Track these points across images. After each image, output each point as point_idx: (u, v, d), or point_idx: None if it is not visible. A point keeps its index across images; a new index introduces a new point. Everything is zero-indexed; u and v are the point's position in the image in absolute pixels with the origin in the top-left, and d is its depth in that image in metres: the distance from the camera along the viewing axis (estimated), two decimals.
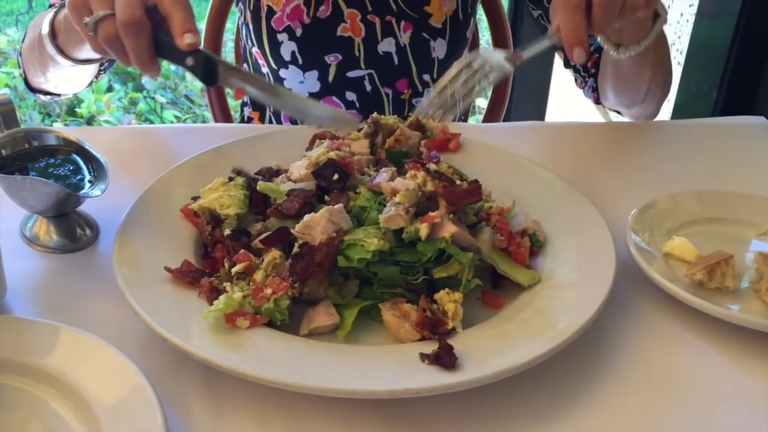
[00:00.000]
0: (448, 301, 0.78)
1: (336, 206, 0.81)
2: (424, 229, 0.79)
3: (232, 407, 0.72)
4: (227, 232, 0.84)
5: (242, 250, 0.81)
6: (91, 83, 1.22)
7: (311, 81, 1.30)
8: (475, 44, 1.53)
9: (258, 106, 1.44)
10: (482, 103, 3.22)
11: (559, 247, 0.88)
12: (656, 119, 1.28)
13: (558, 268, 0.85)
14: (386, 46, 1.29)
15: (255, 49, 1.33)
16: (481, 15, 1.57)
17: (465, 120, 1.63)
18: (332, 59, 1.29)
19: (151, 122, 3.22)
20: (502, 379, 0.71)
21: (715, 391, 0.77)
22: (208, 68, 0.88)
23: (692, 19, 1.75)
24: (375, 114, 1.04)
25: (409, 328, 0.76)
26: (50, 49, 1.04)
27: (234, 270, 0.80)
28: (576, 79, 1.29)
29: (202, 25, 1.45)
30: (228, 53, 2.26)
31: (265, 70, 1.33)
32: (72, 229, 0.92)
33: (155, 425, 0.64)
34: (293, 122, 1.35)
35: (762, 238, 0.96)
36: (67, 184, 0.88)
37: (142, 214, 0.89)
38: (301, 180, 0.90)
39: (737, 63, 1.55)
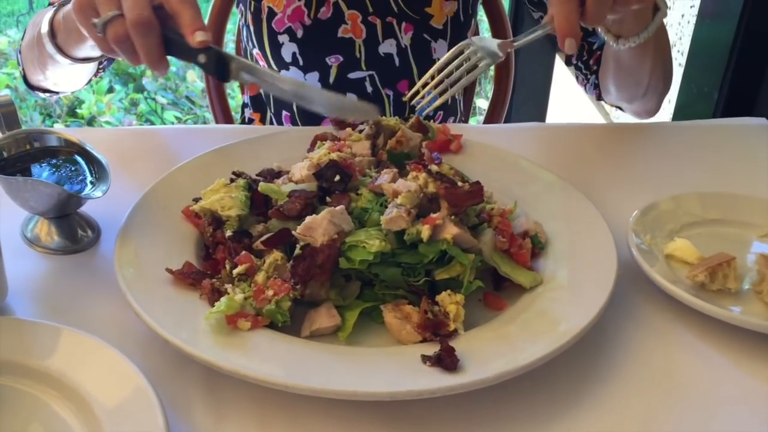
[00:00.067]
0: (450, 302, 0.78)
1: (337, 208, 0.81)
2: (425, 231, 0.79)
3: (233, 409, 0.72)
4: (228, 233, 0.84)
5: (243, 252, 0.81)
6: (89, 81, 1.22)
7: (312, 82, 1.30)
8: None
9: (259, 108, 1.44)
10: (483, 104, 3.22)
11: (560, 249, 0.88)
12: (657, 121, 1.28)
13: (559, 269, 0.85)
14: (387, 47, 1.29)
15: (256, 51, 1.33)
16: (481, 16, 1.57)
17: (466, 121, 1.63)
18: (333, 60, 1.29)
19: (152, 123, 3.22)
20: (503, 381, 0.71)
21: (716, 393, 0.77)
22: (220, 65, 0.89)
23: (693, 20, 1.75)
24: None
25: (410, 329, 0.76)
26: (49, 48, 1.04)
27: (235, 271, 0.80)
28: (577, 77, 1.30)
29: None
30: None
31: None
32: (73, 231, 0.92)
33: (156, 427, 0.64)
34: (294, 123, 1.36)
35: (764, 239, 0.96)
36: (68, 186, 0.88)
37: (144, 215, 0.89)
38: (303, 181, 0.90)
39: (738, 64, 1.55)
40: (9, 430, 0.67)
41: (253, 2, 1.29)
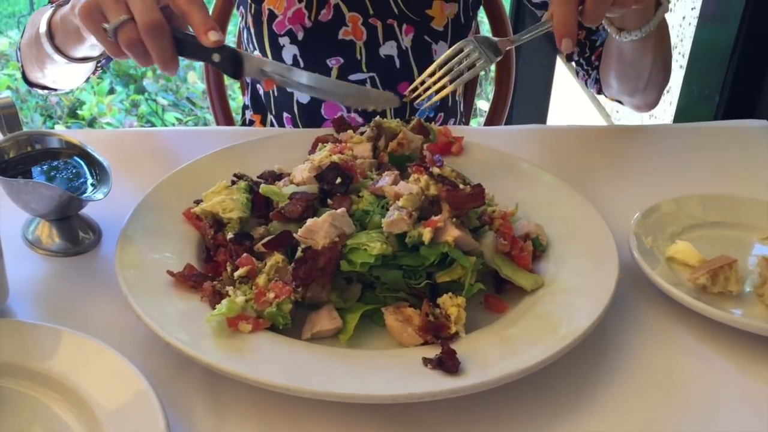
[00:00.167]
0: (451, 305, 0.77)
1: (339, 210, 0.81)
2: (427, 234, 0.79)
3: (234, 411, 0.72)
4: (230, 235, 0.84)
5: (245, 254, 0.81)
6: (88, 79, 1.23)
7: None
8: None
9: (260, 109, 1.44)
10: (484, 105, 3.22)
11: (561, 251, 0.88)
12: (658, 123, 1.28)
13: (561, 272, 0.85)
14: (388, 49, 1.29)
15: (256, 53, 1.33)
16: (482, 18, 1.57)
17: (467, 123, 1.63)
18: (334, 62, 1.29)
19: (153, 124, 3.22)
20: (504, 384, 0.71)
21: (718, 396, 0.77)
22: (234, 62, 0.90)
23: (694, 22, 1.75)
24: (377, 117, 1.04)
25: (411, 332, 0.76)
26: (48, 48, 1.04)
27: (236, 274, 0.80)
28: (578, 72, 1.32)
29: None
30: None
31: None
32: (74, 233, 0.92)
33: (157, 429, 0.64)
34: (295, 125, 1.35)
35: (765, 242, 0.96)
36: (69, 188, 0.88)
37: (145, 217, 0.89)
38: (304, 183, 0.90)
39: (740, 66, 1.55)
40: None
41: (253, 4, 1.29)
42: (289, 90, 1.31)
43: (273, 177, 0.96)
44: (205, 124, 3.22)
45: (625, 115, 2.19)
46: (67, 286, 0.87)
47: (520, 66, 1.63)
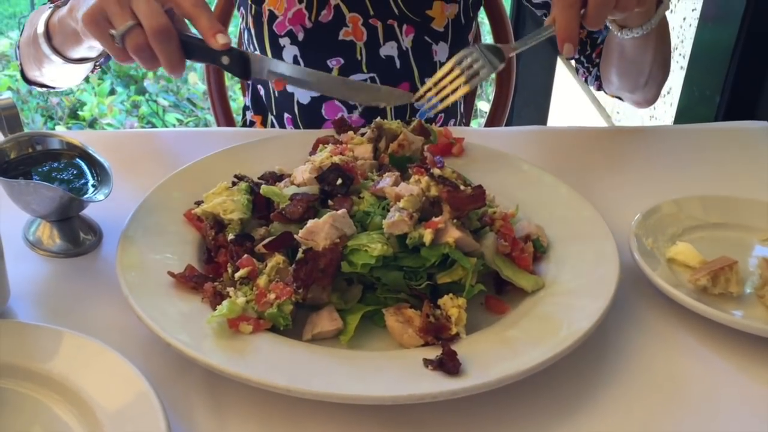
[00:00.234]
0: (452, 306, 0.78)
1: (339, 212, 0.81)
2: (427, 235, 0.79)
3: (235, 412, 0.72)
4: (230, 236, 0.84)
5: (245, 255, 0.81)
6: (87, 77, 1.23)
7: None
8: None
9: (260, 110, 1.44)
10: (484, 106, 3.23)
11: (562, 253, 0.88)
12: (659, 124, 1.28)
13: (561, 273, 0.85)
14: (388, 49, 1.29)
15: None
16: (483, 18, 1.57)
17: (467, 124, 1.63)
18: (334, 63, 1.29)
19: (154, 125, 3.22)
20: (505, 385, 0.71)
21: (718, 397, 0.77)
22: (243, 64, 0.90)
23: (695, 23, 1.75)
24: (378, 119, 1.04)
25: (412, 333, 0.76)
26: (45, 48, 1.04)
27: (237, 275, 0.80)
28: (578, 69, 1.33)
29: None
30: None
31: None
32: (75, 234, 0.92)
33: (158, 430, 0.64)
34: (296, 126, 1.36)
35: (766, 243, 0.96)
36: (70, 189, 0.88)
37: (146, 218, 0.89)
38: (305, 184, 0.90)
39: (740, 67, 1.55)
40: None
41: (254, 5, 1.29)
42: (298, 89, 1.31)
43: (274, 178, 0.96)
44: (206, 125, 3.22)
45: (626, 116, 2.19)
46: (68, 287, 0.87)
47: (520, 67, 1.64)
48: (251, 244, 0.83)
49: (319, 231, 0.79)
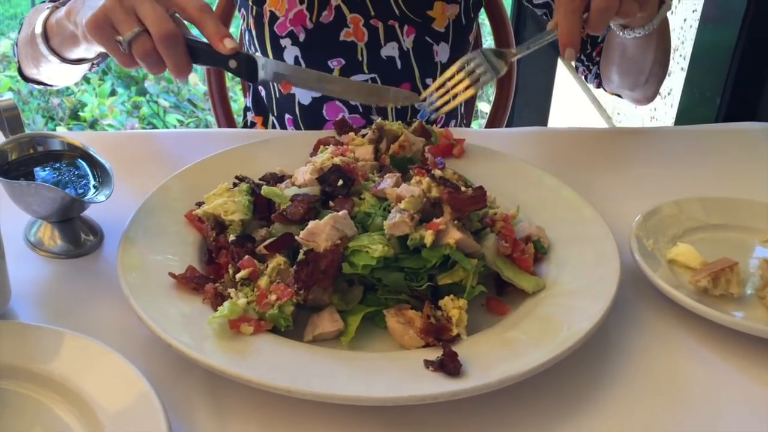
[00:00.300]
0: (453, 307, 0.78)
1: (340, 213, 0.81)
2: (428, 236, 0.79)
3: (236, 413, 0.72)
4: (231, 237, 0.85)
5: (246, 256, 0.81)
6: (84, 76, 1.24)
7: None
8: (477, 48, 1.53)
9: (261, 111, 1.44)
10: (485, 107, 3.23)
11: (563, 254, 0.88)
12: (659, 125, 1.28)
13: (562, 274, 0.85)
14: (389, 50, 1.29)
15: (258, 55, 1.33)
16: (483, 19, 1.57)
17: (468, 125, 1.63)
18: (335, 64, 1.29)
19: (154, 126, 3.22)
20: (506, 386, 0.71)
21: (719, 398, 0.77)
22: (251, 67, 0.91)
23: (696, 24, 1.75)
24: (379, 120, 1.05)
25: (413, 334, 0.76)
26: (43, 49, 1.05)
27: (238, 276, 0.80)
28: (578, 68, 1.34)
29: None
30: None
31: None
32: (76, 235, 0.92)
33: (159, 431, 0.64)
34: (297, 127, 1.36)
35: (766, 244, 0.96)
36: (71, 190, 0.88)
37: (147, 219, 0.89)
38: (306, 185, 0.90)
39: (741, 69, 1.55)
40: None
41: (254, 6, 1.29)
42: (303, 90, 1.31)
43: (275, 179, 0.96)
44: (207, 126, 3.22)
45: (626, 117, 2.19)
46: (69, 288, 0.87)
47: (521, 68, 1.64)
48: (252, 245, 0.83)
49: (320, 232, 0.79)
